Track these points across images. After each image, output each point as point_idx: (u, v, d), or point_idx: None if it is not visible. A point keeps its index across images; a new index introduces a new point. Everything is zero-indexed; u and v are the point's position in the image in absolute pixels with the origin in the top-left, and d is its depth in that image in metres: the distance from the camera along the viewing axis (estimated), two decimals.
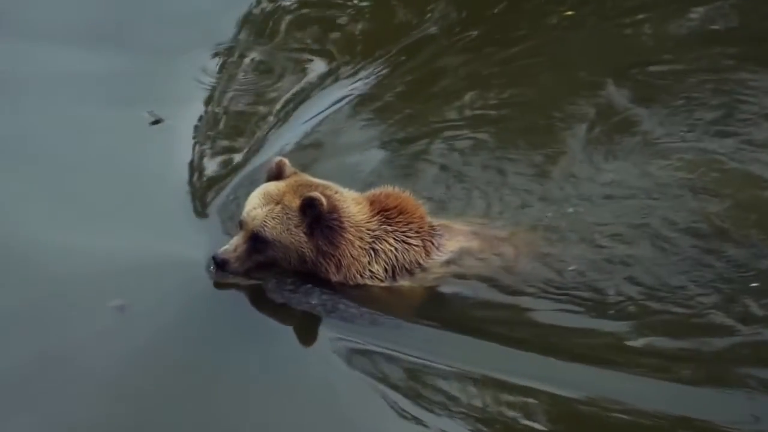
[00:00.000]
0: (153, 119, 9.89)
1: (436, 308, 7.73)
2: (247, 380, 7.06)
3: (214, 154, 9.51)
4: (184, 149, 9.46)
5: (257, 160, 9.32)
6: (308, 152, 9.53)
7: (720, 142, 9.29)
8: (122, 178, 8.95)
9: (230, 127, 9.95)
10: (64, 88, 10.13)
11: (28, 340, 7.31)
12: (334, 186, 7.82)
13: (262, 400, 6.94)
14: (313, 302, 7.61)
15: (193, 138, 9.68)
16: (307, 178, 7.81)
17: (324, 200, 7.50)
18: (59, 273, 7.85)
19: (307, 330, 7.57)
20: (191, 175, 9.12)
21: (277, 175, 7.74)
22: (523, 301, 7.81)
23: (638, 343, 7.41)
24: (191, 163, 9.29)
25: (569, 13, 11.48)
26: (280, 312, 7.64)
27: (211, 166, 9.30)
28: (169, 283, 7.75)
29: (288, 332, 7.57)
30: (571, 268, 7.99)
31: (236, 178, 9.03)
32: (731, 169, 8.97)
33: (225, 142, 9.71)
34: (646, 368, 7.18)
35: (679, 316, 7.60)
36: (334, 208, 7.59)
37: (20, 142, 9.29)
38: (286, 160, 7.82)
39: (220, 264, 7.56)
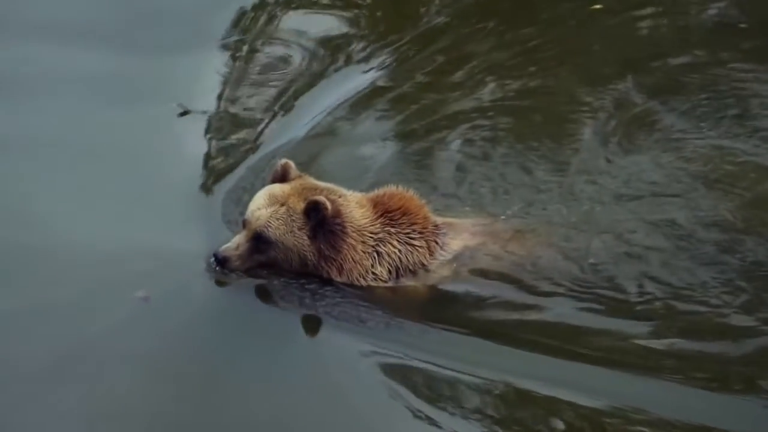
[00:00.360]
0: (181, 110, 9.99)
1: (439, 309, 7.73)
2: (253, 380, 7.10)
3: (227, 146, 9.57)
4: (193, 143, 9.53)
5: (268, 150, 9.42)
6: (322, 142, 9.60)
7: (739, 138, 9.22)
8: (135, 174, 9.01)
9: (241, 119, 10.00)
10: (71, 86, 10.18)
11: (45, 334, 7.39)
12: (338, 189, 7.85)
13: (269, 401, 6.99)
14: (320, 303, 7.66)
15: (205, 132, 9.76)
16: (312, 181, 7.87)
17: (329, 205, 7.56)
18: (76, 269, 7.93)
19: (313, 330, 7.62)
20: (203, 169, 9.18)
21: (282, 177, 7.80)
22: (528, 299, 7.77)
23: (656, 344, 7.34)
24: (201, 156, 9.35)
25: (597, 6, 11.41)
26: (286, 312, 7.69)
27: (224, 158, 9.36)
28: (176, 278, 7.84)
29: (294, 332, 7.59)
30: (583, 264, 7.92)
31: (245, 171, 9.08)
32: (750, 164, 8.89)
33: (236, 134, 9.76)
34: (664, 371, 7.11)
35: (700, 316, 7.52)
36: (338, 213, 7.64)
37: (29, 142, 9.33)
38: (291, 163, 7.88)
39: (221, 261, 7.63)
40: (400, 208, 7.81)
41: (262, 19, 11.51)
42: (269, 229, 7.60)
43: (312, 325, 7.61)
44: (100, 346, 7.22)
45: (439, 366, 7.19)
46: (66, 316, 7.48)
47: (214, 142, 9.61)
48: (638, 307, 7.62)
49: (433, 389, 7.06)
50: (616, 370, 7.12)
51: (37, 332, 7.36)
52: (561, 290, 7.81)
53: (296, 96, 10.33)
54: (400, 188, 7.95)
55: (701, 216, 8.29)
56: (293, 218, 7.60)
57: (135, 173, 9.00)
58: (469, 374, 7.12)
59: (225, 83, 10.46)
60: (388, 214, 7.80)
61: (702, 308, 7.56)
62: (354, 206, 7.76)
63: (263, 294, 7.75)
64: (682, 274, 7.80)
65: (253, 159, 9.30)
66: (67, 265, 7.93)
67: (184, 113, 9.99)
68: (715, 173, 8.77)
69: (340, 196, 7.75)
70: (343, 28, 11.43)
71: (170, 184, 8.88)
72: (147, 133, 9.56)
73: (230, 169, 9.16)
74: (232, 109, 10.14)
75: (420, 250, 7.82)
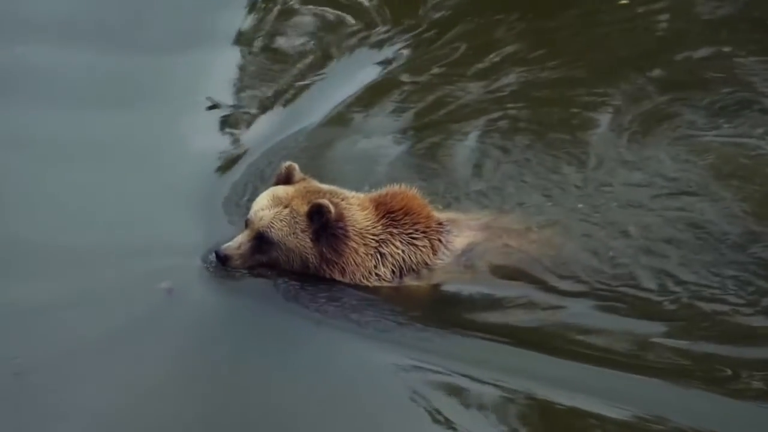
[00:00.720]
0: (210, 104, 10.10)
1: (443, 308, 7.74)
2: (258, 380, 7.15)
3: (235, 141, 9.61)
4: (201, 139, 9.56)
5: (276, 142, 9.50)
6: (333, 134, 9.65)
7: (758, 131, 9.17)
8: (141, 171, 9.07)
9: (251, 112, 10.07)
10: (75, 86, 10.23)
11: (54, 330, 7.44)
12: (341, 192, 7.92)
13: (274, 401, 7.01)
14: (330, 304, 7.71)
15: (212, 127, 9.82)
16: (316, 184, 7.94)
17: (332, 208, 7.63)
18: (91, 265, 8.00)
19: (321, 331, 7.61)
20: (210, 165, 9.21)
21: (286, 179, 7.89)
22: (532, 297, 7.75)
23: (673, 345, 7.25)
24: (209, 152, 9.38)
25: (624, 2, 11.36)
26: (293, 311, 7.69)
27: (232, 153, 9.40)
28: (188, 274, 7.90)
29: (302, 332, 7.58)
30: (595, 261, 7.88)
31: (252, 166, 9.13)
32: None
33: (245, 128, 9.84)
34: (680, 375, 7.01)
35: (719, 317, 7.43)
36: (340, 216, 7.71)
37: (32, 140, 9.38)
38: (295, 165, 7.95)
39: (222, 259, 7.71)
40: (402, 208, 7.87)
41: (271, 12, 11.58)
42: (272, 230, 7.68)
43: (320, 325, 7.62)
44: (107, 345, 7.27)
45: (445, 367, 7.19)
46: (78, 312, 7.54)
47: (222, 137, 9.66)
48: (655, 307, 7.56)
49: (437, 388, 7.06)
50: (631, 373, 7.03)
51: (45, 328, 7.42)
52: (571, 288, 7.78)
53: (307, 89, 10.40)
54: (403, 187, 8.00)
55: (720, 213, 8.24)
56: (296, 220, 7.68)
57: (141, 170, 9.06)
58: (477, 375, 7.11)
59: (232, 78, 10.54)
60: (390, 214, 7.86)
61: (721, 308, 7.48)
62: (356, 208, 7.82)
63: (270, 293, 7.78)
64: (702, 273, 7.74)
65: (259, 153, 9.35)
66: (81, 261, 8.00)
67: (213, 107, 10.09)
68: (733, 169, 8.72)
69: (342, 199, 7.83)
70: (356, 18, 11.45)
71: (180, 180, 8.93)
72: (152, 130, 9.61)
73: (238, 163, 9.22)
74: (242, 103, 10.21)
75: (423, 249, 7.87)
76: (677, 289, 7.65)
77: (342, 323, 7.58)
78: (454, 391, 7.01)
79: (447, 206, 8.47)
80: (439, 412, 6.85)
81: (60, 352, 7.18)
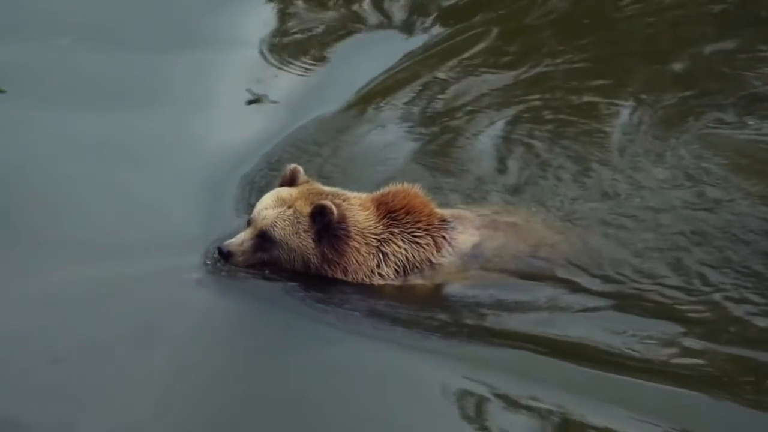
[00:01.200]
0: (251, 98, 10.27)
1: (447, 307, 7.74)
2: (266, 380, 7.24)
3: (243, 137, 9.64)
4: (214, 136, 9.65)
5: (287, 135, 9.65)
6: (349, 121, 9.81)
7: None
8: (149, 170, 9.18)
9: (260, 103, 10.22)
10: (79, 86, 10.30)
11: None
12: (343, 193, 8.03)
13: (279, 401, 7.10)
14: (336, 305, 7.79)
15: (220, 124, 9.89)
16: (319, 186, 8.06)
17: (335, 210, 7.75)
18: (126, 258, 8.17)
19: (323, 330, 7.68)
20: (223, 161, 9.26)
21: (290, 180, 8.04)
22: (539, 294, 7.75)
23: (688, 346, 7.20)
24: (220, 149, 9.45)
25: None
26: (301, 312, 7.78)
27: (240, 150, 9.43)
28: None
29: (311, 332, 7.66)
30: (602, 257, 7.88)
31: (260, 162, 9.25)
32: None
33: (252, 122, 9.94)
34: (695, 382, 6.93)
35: (741, 322, 7.39)
36: (342, 218, 7.83)
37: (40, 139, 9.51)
38: (300, 168, 8.09)
39: (225, 255, 7.84)
40: (403, 207, 7.96)
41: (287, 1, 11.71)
42: (275, 228, 7.81)
43: (326, 326, 7.68)
44: (117, 340, 7.37)
45: (453, 366, 7.23)
46: (82, 310, 7.64)
47: (229, 134, 9.71)
48: (678, 309, 7.52)
49: (443, 388, 7.08)
50: (658, 382, 6.95)
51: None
52: (587, 286, 7.78)
53: (317, 83, 10.52)
54: (405, 185, 8.06)
55: (744, 211, 8.22)
56: (299, 221, 7.82)
57: (148, 170, 9.16)
58: (482, 375, 7.12)
59: (240, 74, 10.61)
60: (392, 213, 7.96)
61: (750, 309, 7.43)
62: (358, 209, 7.94)
63: (276, 293, 7.87)
64: (729, 274, 7.70)
65: (272, 145, 9.47)
66: (85, 258, 8.11)
67: (254, 101, 10.23)
68: (755, 164, 8.70)
69: (344, 200, 7.95)
70: (372, 9, 11.57)
71: (192, 176, 9.06)
72: (157, 128, 9.70)
73: (252, 157, 9.32)
74: (258, 96, 10.32)
75: (426, 247, 7.95)
76: (704, 288, 7.60)
77: (346, 323, 7.66)
78: (461, 393, 7.05)
79: (465, 202, 8.56)
80: (447, 414, 6.91)
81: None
